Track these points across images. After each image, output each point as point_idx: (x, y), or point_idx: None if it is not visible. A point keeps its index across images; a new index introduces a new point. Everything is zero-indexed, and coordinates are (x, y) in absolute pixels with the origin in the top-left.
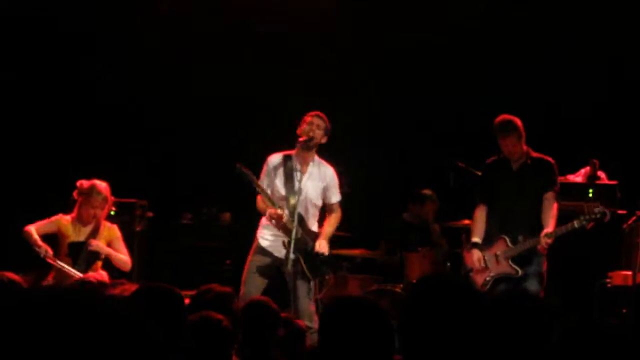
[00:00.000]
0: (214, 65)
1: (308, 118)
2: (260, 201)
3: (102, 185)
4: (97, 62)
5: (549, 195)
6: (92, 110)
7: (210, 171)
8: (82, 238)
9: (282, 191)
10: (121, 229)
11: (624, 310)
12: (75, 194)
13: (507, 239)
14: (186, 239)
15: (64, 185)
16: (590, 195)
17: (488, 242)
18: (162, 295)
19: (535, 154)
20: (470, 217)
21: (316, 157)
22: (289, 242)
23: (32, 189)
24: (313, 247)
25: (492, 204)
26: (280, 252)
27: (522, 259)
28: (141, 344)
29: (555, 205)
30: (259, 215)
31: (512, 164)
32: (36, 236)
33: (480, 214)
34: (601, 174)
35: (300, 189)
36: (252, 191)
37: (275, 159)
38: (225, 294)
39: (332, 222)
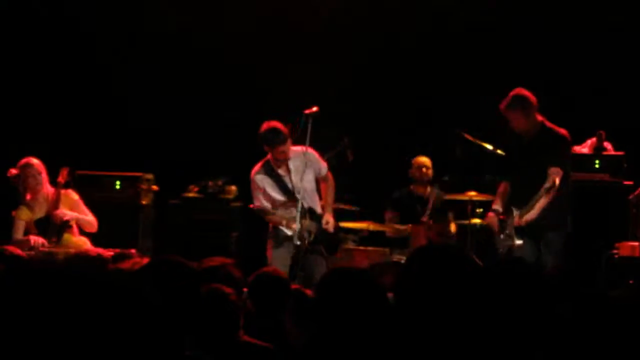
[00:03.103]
0: (217, 38)
1: (277, 148)
2: (268, 219)
3: (29, 159)
4: (106, 44)
5: (552, 171)
6: (97, 85)
7: (216, 144)
8: (42, 214)
9: (281, 197)
10: (126, 202)
11: (631, 282)
12: (12, 183)
13: (514, 210)
14: (192, 213)
15: (71, 163)
16: (597, 166)
17: (507, 215)
18: (175, 267)
19: (550, 125)
20: (476, 189)
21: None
22: (307, 233)
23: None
24: (321, 227)
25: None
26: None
27: (539, 233)
28: (146, 318)
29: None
30: None
31: (524, 139)
32: (20, 237)
33: (502, 189)
34: (607, 144)
35: (292, 187)
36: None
37: (259, 173)
38: (228, 264)
39: (329, 191)
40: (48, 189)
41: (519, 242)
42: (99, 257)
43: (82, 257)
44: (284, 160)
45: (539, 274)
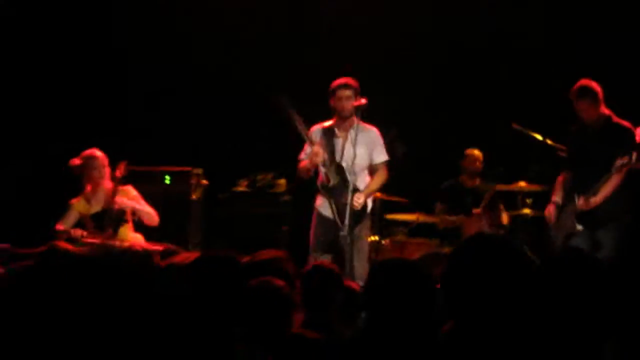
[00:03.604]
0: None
1: (337, 93)
2: (300, 166)
3: (92, 151)
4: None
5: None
6: (146, 78)
7: (265, 138)
8: (99, 207)
9: (329, 155)
10: (176, 197)
11: None
12: (74, 173)
13: (576, 198)
14: (242, 207)
15: (121, 157)
16: None
17: (567, 203)
18: (223, 263)
19: (616, 120)
20: (526, 179)
21: (356, 121)
22: (340, 206)
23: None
24: (351, 200)
25: (573, 170)
26: (335, 216)
27: (596, 224)
28: (189, 312)
29: (616, 176)
30: (314, 182)
31: (589, 130)
32: (66, 227)
33: (562, 179)
34: None
35: (342, 155)
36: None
37: (315, 130)
38: (279, 258)
39: (376, 180)
40: (108, 183)
41: (579, 227)
42: (145, 252)
43: (127, 252)
44: (343, 111)
45: (598, 266)
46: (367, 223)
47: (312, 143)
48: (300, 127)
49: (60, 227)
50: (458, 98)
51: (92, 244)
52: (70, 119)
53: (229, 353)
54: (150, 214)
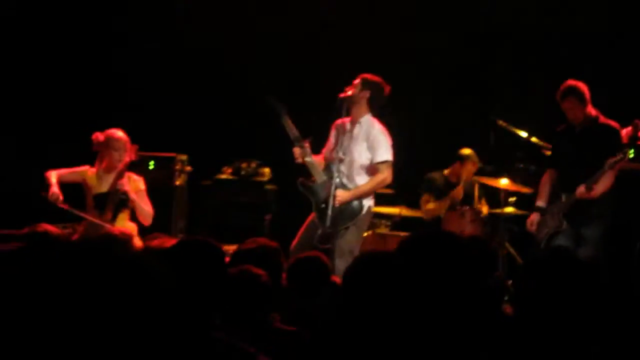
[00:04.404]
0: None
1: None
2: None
3: (117, 132)
4: (130, 13)
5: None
6: (131, 64)
7: (250, 126)
8: (105, 188)
9: (331, 150)
10: (160, 183)
11: None
12: (93, 148)
13: (563, 196)
14: (225, 194)
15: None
16: (632, 155)
17: (552, 202)
18: (203, 248)
19: (603, 120)
20: (509, 176)
21: (366, 117)
22: (322, 203)
23: (69, 145)
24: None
25: (560, 169)
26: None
27: (581, 221)
28: (169, 298)
29: (610, 173)
30: (298, 170)
31: (576, 130)
32: (53, 180)
33: (547, 179)
34: None
35: (344, 150)
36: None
37: (338, 122)
38: (270, 247)
39: (371, 180)
40: (121, 167)
41: (565, 225)
42: (122, 235)
43: (104, 236)
44: (349, 101)
45: (583, 265)
46: (358, 226)
47: (297, 142)
48: (289, 127)
49: (51, 176)
50: (444, 95)
51: (74, 214)
52: (59, 101)
53: (206, 341)
54: (147, 214)
